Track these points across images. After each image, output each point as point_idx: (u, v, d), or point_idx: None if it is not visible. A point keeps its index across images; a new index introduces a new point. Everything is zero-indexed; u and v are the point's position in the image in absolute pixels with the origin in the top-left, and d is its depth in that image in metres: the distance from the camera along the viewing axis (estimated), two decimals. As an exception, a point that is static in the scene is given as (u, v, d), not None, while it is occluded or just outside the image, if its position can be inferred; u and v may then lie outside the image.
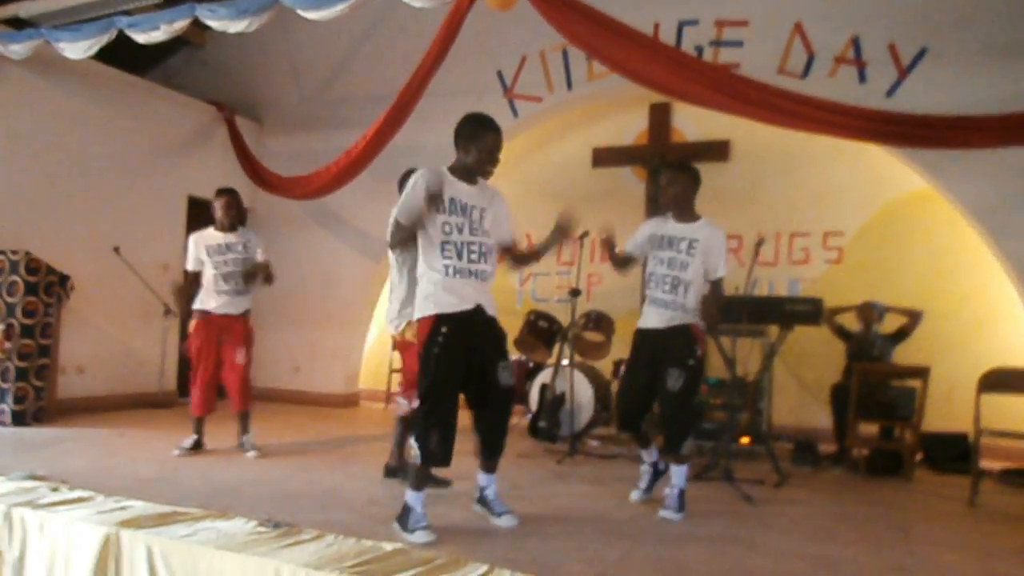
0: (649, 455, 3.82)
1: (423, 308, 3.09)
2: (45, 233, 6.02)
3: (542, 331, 5.93)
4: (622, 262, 3.85)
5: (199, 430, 4.72)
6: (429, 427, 2.97)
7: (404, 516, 3.02)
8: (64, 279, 5.77)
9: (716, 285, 3.69)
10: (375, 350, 8.01)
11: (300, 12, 4.44)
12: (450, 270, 3.06)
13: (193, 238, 4.82)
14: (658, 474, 3.81)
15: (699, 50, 6.20)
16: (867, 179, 6.28)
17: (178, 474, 4.09)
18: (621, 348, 6.10)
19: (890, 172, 6.12)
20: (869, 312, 5.66)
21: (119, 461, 4.40)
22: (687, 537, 3.18)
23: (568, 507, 3.68)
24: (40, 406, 5.57)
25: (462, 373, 3.04)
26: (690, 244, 3.65)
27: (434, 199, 2.98)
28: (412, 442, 3.05)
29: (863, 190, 6.30)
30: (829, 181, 6.39)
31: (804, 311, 4.49)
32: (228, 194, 4.84)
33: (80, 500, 3.21)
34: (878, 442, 5.06)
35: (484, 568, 2.47)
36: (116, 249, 6.55)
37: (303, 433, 5.73)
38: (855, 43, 5.80)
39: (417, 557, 2.57)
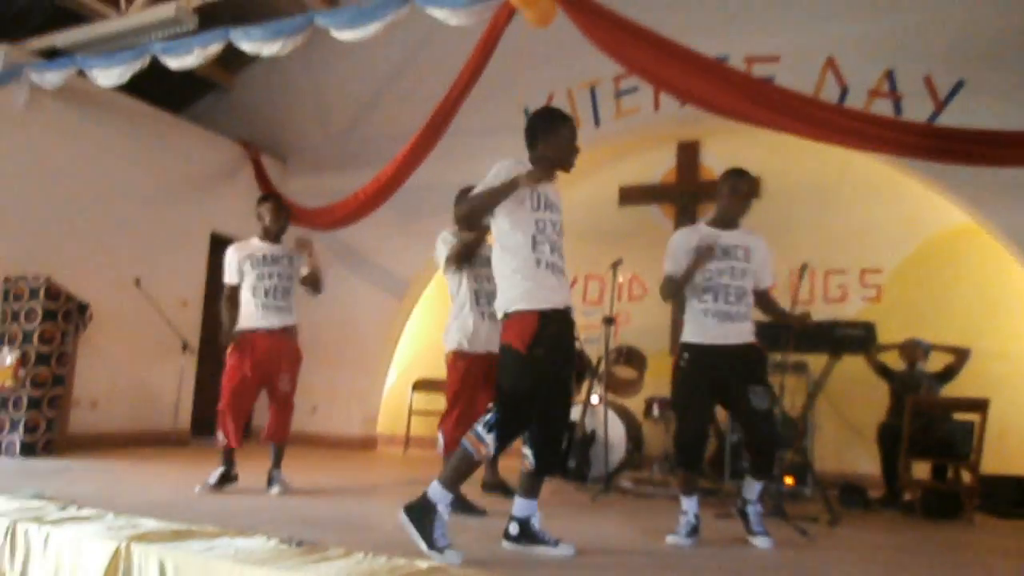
0: (691, 504, 3.28)
1: (524, 302, 2.83)
2: (67, 261, 5.95)
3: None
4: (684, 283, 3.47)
5: (230, 460, 4.21)
6: (505, 426, 2.71)
7: (426, 517, 2.64)
8: (83, 307, 5.65)
9: (768, 294, 3.52)
10: (394, 392, 7.79)
11: (334, 33, 4.42)
12: (542, 264, 2.84)
13: (234, 248, 4.37)
14: (744, 515, 3.37)
15: (729, 86, 6.18)
16: (905, 215, 6.13)
17: (194, 499, 3.86)
18: (653, 386, 5.89)
19: (928, 208, 5.98)
20: (914, 350, 5.41)
21: (131, 487, 4.19)
22: (755, 565, 2.91)
23: (613, 537, 3.41)
24: (50, 438, 5.38)
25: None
26: (746, 252, 3.46)
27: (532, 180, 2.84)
28: (524, 450, 2.84)
29: (901, 226, 6.14)
30: (865, 217, 6.24)
31: (856, 336, 4.27)
32: (275, 199, 4.49)
33: (89, 518, 2.99)
34: (932, 483, 4.74)
35: None
36: (137, 281, 6.45)
37: (322, 471, 5.48)
38: (890, 76, 5.74)
39: (454, 571, 2.33)
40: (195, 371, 7.11)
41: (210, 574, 2.40)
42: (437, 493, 2.68)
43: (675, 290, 3.46)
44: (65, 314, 5.50)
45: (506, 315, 2.86)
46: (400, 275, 7.55)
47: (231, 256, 4.31)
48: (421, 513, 2.64)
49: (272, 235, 4.36)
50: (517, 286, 2.83)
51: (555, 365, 2.79)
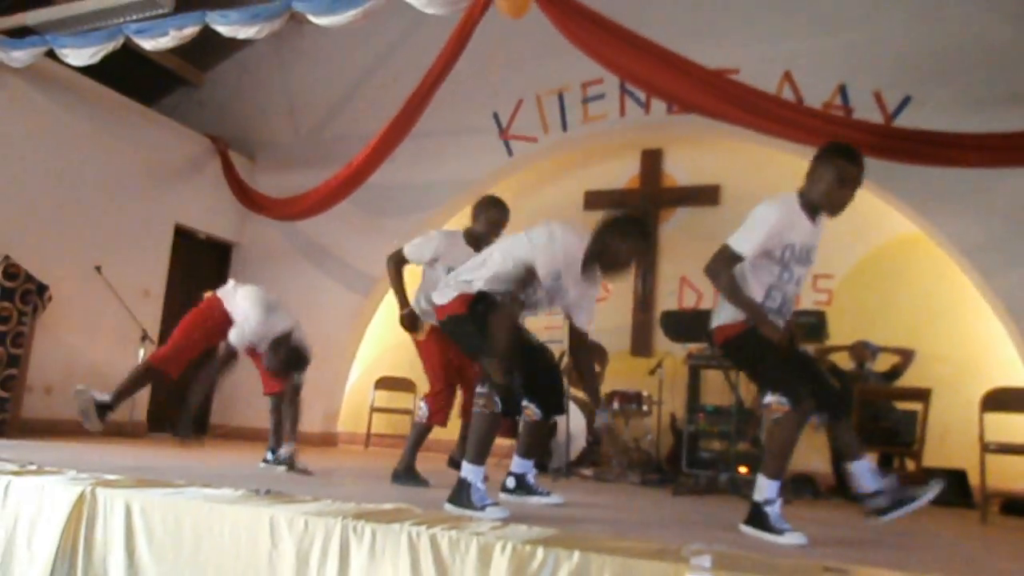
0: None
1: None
2: (26, 242, 5.85)
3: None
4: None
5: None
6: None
7: (464, 493, 2.73)
8: (43, 288, 5.57)
9: None
10: (356, 389, 7.77)
11: (312, 18, 4.50)
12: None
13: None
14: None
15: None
16: (855, 224, 6.33)
17: (162, 462, 3.83)
18: (613, 383, 6.01)
19: (877, 217, 6.26)
20: (862, 351, 5.65)
21: (94, 455, 4.12)
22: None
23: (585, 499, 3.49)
24: (3, 419, 5.26)
25: None
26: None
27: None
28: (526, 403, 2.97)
29: (851, 234, 6.39)
30: (818, 225, 6.50)
31: (808, 324, 4.45)
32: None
33: (51, 472, 2.96)
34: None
35: (492, 523, 2.29)
36: (98, 268, 6.38)
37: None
38: (842, 91, 6.04)
39: (418, 513, 2.39)
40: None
41: (178, 514, 2.42)
42: (469, 472, 2.77)
43: (733, 286, 2.80)
44: (23, 294, 5.42)
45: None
46: (366, 273, 7.57)
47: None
48: (460, 495, 2.74)
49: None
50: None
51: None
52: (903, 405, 5.05)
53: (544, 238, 2.95)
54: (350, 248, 7.64)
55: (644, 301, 6.88)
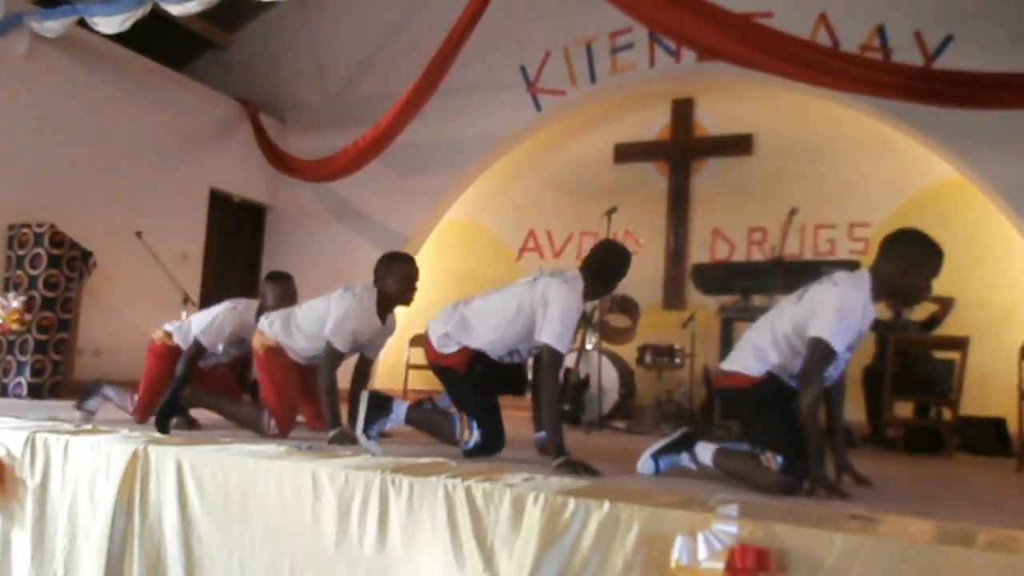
0: None
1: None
2: (70, 211, 6.03)
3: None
4: None
5: None
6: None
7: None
8: (87, 255, 5.75)
9: None
10: (392, 347, 7.88)
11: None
12: None
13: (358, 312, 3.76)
14: None
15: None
16: (893, 170, 6.26)
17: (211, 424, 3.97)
18: (645, 335, 6.04)
19: (916, 162, 6.10)
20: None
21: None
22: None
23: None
24: (57, 381, 5.50)
25: None
26: None
27: None
28: None
29: (889, 181, 6.27)
30: (854, 172, 6.37)
31: (841, 274, 4.38)
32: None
33: (104, 431, 3.12)
34: (915, 420, 4.92)
35: (524, 475, 2.36)
36: (138, 234, 6.53)
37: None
38: (880, 31, 5.84)
39: (453, 467, 2.47)
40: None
41: (225, 470, 2.54)
42: (402, 407, 3.06)
43: (817, 409, 2.55)
44: (69, 261, 5.60)
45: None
46: (397, 232, 7.64)
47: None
48: (378, 407, 3.06)
49: None
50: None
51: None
52: (941, 354, 4.98)
53: (557, 326, 2.85)
54: (381, 207, 7.71)
55: (676, 254, 6.85)
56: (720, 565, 1.78)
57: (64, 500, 2.83)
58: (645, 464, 2.85)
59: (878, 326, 5.48)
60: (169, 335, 4.08)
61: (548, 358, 2.87)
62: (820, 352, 2.53)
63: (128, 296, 6.62)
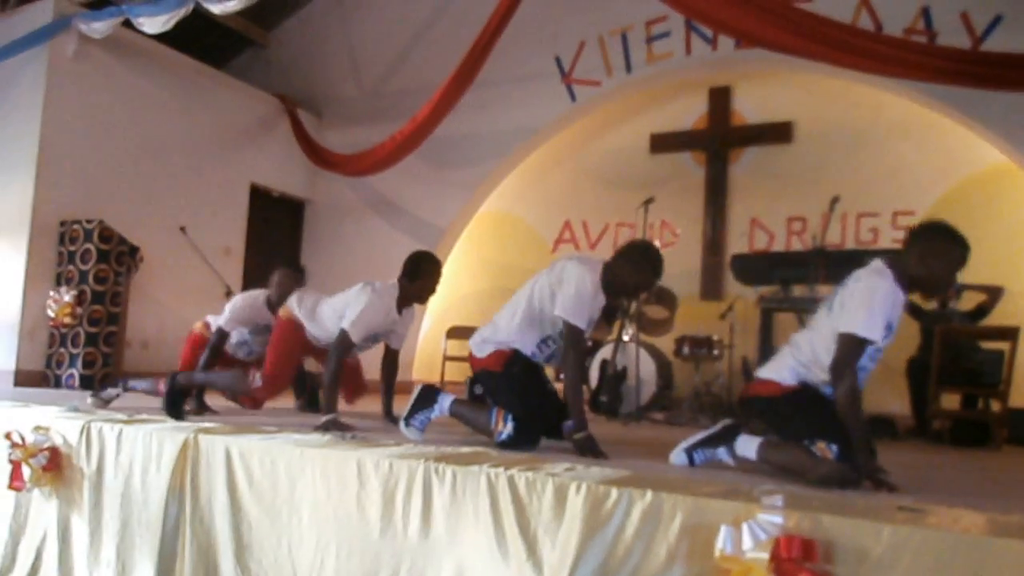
0: None
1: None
2: (117, 207, 6.20)
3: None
4: None
5: None
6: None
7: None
8: (134, 250, 5.91)
9: None
10: (429, 339, 7.99)
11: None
12: None
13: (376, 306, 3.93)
14: None
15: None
16: (939, 156, 6.11)
17: (257, 416, 4.06)
18: (683, 327, 6.00)
19: (963, 148, 5.94)
20: (945, 289, 5.43)
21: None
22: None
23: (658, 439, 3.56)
24: (107, 372, 5.66)
25: None
26: None
27: None
28: None
29: (935, 167, 6.12)
30: (898, 159, 6.23)
31: (884, 263, 4.30)
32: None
33: (156, 420, 3.21)
34: (962, 412, 4.80)
35: (566, 465, 2.38)
36: (183, 229, 6.70)
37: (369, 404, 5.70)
38: (925, 13, 5.68)
39: (495, 456, 2.49)
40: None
41: (273, 458, 2.60)
42: (447, 399, 3.10)
43: (856, 398, 2.51)
44: (118, 256, 5.76)
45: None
46: (433, 224, 7.70)
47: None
48: (426, 399, 3.12)
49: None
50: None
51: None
52: (989, 344, 4.86)
53: (572, 300, 2.94)
54: (417, 200, 7.77)
55: (714, 244, 6.78)
56: (765, 555, 1.77)
57: (118, 486, 2.93)
58: (678, 456, 2.81)
59: (923, 316, 5.39)
60: (207, 325, 4.24)
61: (567, 333, 2.96)
62: (848, 345, 2.50)
63: (173, 290, 6.79)
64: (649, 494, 1.97)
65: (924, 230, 2.69)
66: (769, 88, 6.69)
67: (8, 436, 3.13)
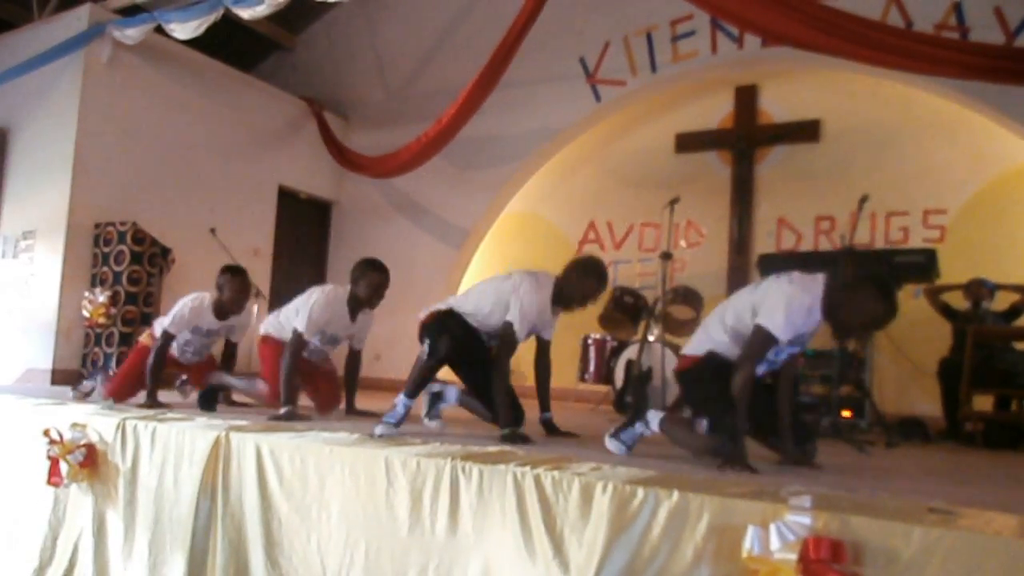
0: None
1: None
2: (149, 209, 6.32)
3: (628, 307, 5.81)
4: None
5: None
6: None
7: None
8: (166, 251, 6.02)
9: None
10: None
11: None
12: None
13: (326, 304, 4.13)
14: None
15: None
16: (971, 153, 6.00)
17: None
18: (709, 327, 5.95)
19: (995, 145, 5.84)
20: (979, 289, 5.33)
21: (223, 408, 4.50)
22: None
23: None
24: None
25: None
26: None
27: None
28: None
29: (966, 165, 6.01)
30: (929, 157, 6.13)
31: (916, 263, 4.26)
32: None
33: (187, 419, 3.28)
34: (995, 414, 4.72)
35: (592, 464, 2.38)
36: (212, 231, 6.80)
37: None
38: (957, 9, 5.59)
39: (521, 455, 2.51)
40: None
41: (303, 456, 2.64)
42: (453, 392, 3.49)
43: (749, 389, 2.65)
44: (150, 257, 5.88)
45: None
46: (458, 226, 7.74)
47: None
48: (436, 394, 3.44)
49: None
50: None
51: None
52: (1022, 345, 4.78)
53: (515, 309, 3.30)
54: (442, 202, 7.81)
55: (740, 244, 6.73)
56: (793, 556, 1.76)
57: (151, 483, 3.00)
58: (612, 444, 2.96)
59: (956, 317, 5.31)
60: (152, 336, 4.43)
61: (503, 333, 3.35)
62: (761, 338, 2.68)
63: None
64: (676, 494, 1.97)
65: (872, 280, 2.75)
66: (796, 86, 6.62)
67: (46, 433, 3.22)
